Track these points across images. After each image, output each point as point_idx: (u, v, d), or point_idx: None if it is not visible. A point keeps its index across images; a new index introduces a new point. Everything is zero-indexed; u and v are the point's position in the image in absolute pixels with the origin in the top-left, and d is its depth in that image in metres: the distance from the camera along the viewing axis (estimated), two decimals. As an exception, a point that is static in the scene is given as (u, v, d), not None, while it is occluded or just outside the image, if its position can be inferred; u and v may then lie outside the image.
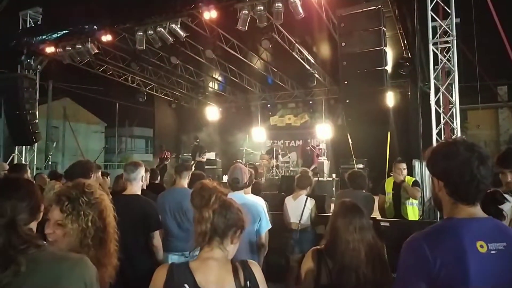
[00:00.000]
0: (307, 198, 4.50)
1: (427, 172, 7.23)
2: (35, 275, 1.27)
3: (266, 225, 3.29)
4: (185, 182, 4.00)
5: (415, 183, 5.11)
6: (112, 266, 1.70)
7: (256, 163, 11.74)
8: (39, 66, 10.24)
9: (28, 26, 9.80)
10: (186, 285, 1.47)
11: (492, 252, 1.27)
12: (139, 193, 3.29)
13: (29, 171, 4.99)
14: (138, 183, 3.26)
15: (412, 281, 1.30)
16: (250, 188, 3.82)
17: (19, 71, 9.53)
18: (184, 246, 3.59)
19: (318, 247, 2.25)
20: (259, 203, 3.48)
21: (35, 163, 10.84)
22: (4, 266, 1.22)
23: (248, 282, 1.54)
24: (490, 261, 1.27)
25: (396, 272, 1.39)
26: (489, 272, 1.26)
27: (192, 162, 11.30)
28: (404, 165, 5.12)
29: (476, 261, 1.25)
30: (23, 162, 10.45)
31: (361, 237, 2.12)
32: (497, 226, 1.37)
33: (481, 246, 1.28)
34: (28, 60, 9.58)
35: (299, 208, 4.43)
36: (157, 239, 3.17)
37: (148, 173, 4.52)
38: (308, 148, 9.84)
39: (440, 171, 1.41)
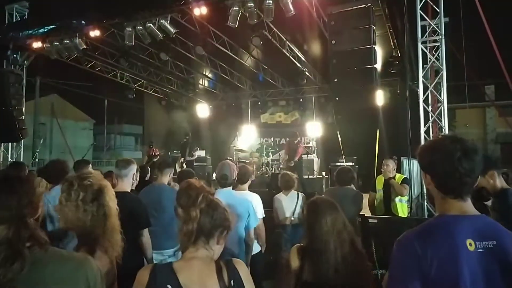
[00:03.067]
0: (299, 194, 4.50)
1: (415, 170, 7.36)
2: (39, 277, 1.26)
3: (254, 221, 3.29)
4: (165, 179, 3.96)
5: (404, 181, 5.16)
6: (112, 243, 1.84)
7: (246, 161, 11.75)
8: (25, 62, 10.08)
9: (14, 20, 9.63)
10: (169, 286, 1.46)
11: (479, 250, 1.27)
12: (129, 190, 3.24)
13: (27, 169, 4.89)
14: (128, 180, 3.22)
15: (405, 279, 1.29)
16: (247, 184, 3.82)
17: (5, 66, 9.34)
18: (162, 244, 3.58)
19: (301, 244, 2.25)
20: (249, 199, 3.49)
21: (21, 160, 10.67)
22: (11, 259, 1.20)
23: (232, 281, 1.52)
24: (478, 259, 1.26)
25: (388, 269, 1.38)
26: (478, 271, 1.25)
27: (182, 160, 11.23)
28: (388, 162, 5.16)
29: (465, 259, 1.25)
30: (9, 159, 10.30)
31: (334, 230, 2.13)
32: (488, 224, 1.36)
33: (470, 244, 1.27)
34: (15, 55, 9.41)
35: (293, 203, 4.41)
36: (146, 237, 3.13)
37: (139, 172, 4.46)
38: (296, 141, 9.85)
39: (425, 164, 1.43)
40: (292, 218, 4.39)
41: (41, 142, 15.77)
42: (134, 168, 3.27)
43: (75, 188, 1.79)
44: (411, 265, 1.29)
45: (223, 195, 3.04)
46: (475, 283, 1.24)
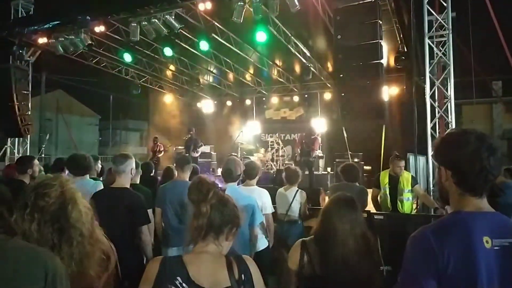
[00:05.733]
0: (297, 190, 4.44)
1: (421, 166, 7.29)
2: None
3: (258, 217, 3.28)
4: (186, 175, 3.94)
5: (414, 181, 5.12)
6: (87, 267, 1.59)
7: (251, 157, 11.74)
8: (31, 57, 10.11)
9: (19, 16, 9.65)
10: (178, 278, 1.46)
11: (495, 248, 1.25)
12: (128, 186, 3.18)
13: (37, 162, 4.83)
14: (127, 176, 3.16)
15: (420, 276, 1.27)
16: (255, 180, 3.81)
17: (10, 62, 9.36)
18: (182, 240, 3.58)
19: (304, 238, 2.23)
20: (254, 195, 3.48)
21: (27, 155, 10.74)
22: None
23: (243, 275, 1.53)
24: (494, 257, 1.24)
25: (402, 267, 1.35)
26: (494, 268, 1.24)
27: (187, 155, 11.23)
28: (401, 163, 5.13)
29: (482, 256, 1.23)
30: (16, 154, 10.37)
31: (351, 229, 2.09)
32: (504, 222, 1.34)
33: (487, 242, 1.25)
34: (20, 51, 9.41)
35: (289, 199, 4.38)
36: (145, 234, 3.07)
37: (139, 167, 4.45)
38: (313, 136, 9.59)
39: (448, 160, 1.38)
40: (286, 215, 4.34)
41: (47, 137, 15.85)
42: (131, 163, 3.21)
43: (28, 211, 1.48)
44: (426, 261, 1.27)
45: (228, 191, 3.03)
46: (491, 281, 1.23)
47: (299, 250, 2.16)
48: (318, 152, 10.81)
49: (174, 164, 4.07)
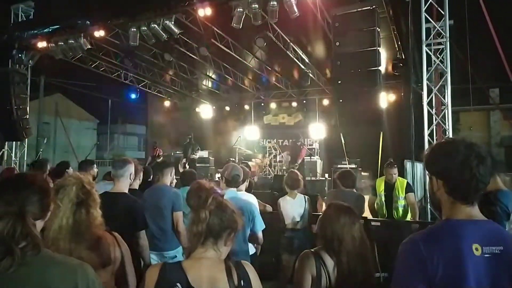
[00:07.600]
0: (305, 197, 4.40)
1: (418, 173, 7.31)
2: (23, 279, 1.25)
3: (260, 223, 3.28)
4: (167, 179, 3.93)
5: (408, 188, 5.12)
6: (95, 255, 1.83)
7: (249, 162, 11.75)
8: (30, 61, 10.10)
9: (19, 20, 9.67)
10: (178, 284, 1.47)
11: (486, 255, 1.26)
12: (126, 191, 3.16)
13: (48, 166, 4.86)
14: (125, 181, 3.14)
15: (410, 282, 1.29)
16: (244, 185, 3.82)
17: (10, 66, 9.37)
18: (162, 245, 3.59)
19: (312, 249, 2.16)
20: (252, 201, 3.48)
21: (25, 159, 10.71)
22: (1, 255, 1.21)
23: (242, 281, 1.54)
24: (484, 264, 1.25)
25: (392, 271, 1.37)
26: (484, 276, 1.25)
27: (184, 160, 11.25)
28: (394, 170, 5.14)
29: (471, 263, 1.25)
30: (13, 158, 10.34)
31: (352, 234, 2.08)
32: (495, 230, 1.36)
33: (476, 249, 1.27)
34: (20, 55, 9.43)
35: (301, 206, 4.30)
36: (143, 238, 3.06)
37: (141, 171, 4.45)
38: (299, 143, 9.67)
39: (439, 170, 1.40)
40: (301, 222, 4.32)
41: (45, 141, 15.76)
42: (131, 168, 3.19)
43: (62, 197, 1.86)
44: (416, 267, 1.28)
45: (229, 196, 3.03)
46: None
47: (312, 261, 2.06)
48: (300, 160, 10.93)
49: (157, 169, 4.07)
